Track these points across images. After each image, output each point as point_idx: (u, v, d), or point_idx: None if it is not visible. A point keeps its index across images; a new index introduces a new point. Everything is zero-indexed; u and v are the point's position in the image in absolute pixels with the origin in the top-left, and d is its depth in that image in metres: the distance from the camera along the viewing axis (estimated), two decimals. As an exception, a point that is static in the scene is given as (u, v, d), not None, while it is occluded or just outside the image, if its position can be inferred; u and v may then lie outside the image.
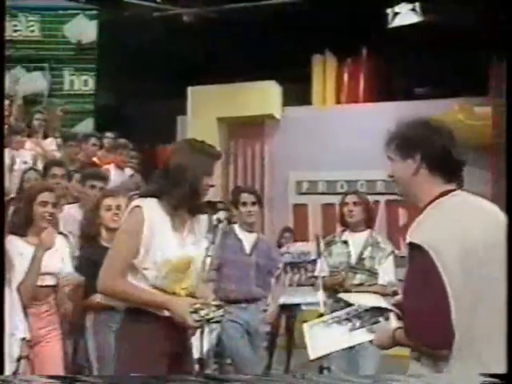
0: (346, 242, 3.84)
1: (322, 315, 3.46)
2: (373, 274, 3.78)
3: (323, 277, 3.79)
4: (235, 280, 3.84)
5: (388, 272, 3.82)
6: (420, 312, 1.76)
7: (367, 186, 7.83)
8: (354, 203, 3.86)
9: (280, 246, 6.22)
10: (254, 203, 3.97)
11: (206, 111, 8.09)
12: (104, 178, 4.20)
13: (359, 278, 3.76)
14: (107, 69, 8.06)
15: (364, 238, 3.85)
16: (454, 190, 1.88)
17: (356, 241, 3.84)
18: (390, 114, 8.36)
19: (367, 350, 3.68)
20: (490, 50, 7.09)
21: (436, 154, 1.87)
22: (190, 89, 8.24)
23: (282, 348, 6.15)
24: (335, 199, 7.34)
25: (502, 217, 1.92)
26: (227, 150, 8.44)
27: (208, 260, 3.86)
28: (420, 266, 1.78)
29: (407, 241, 1.86)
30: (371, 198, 7.70)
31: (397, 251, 7.01)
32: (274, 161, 8.23)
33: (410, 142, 1.93)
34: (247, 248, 3.93)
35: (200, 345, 3.58)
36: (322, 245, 3.93)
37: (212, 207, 5.21)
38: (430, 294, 1.75)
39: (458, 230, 1.81)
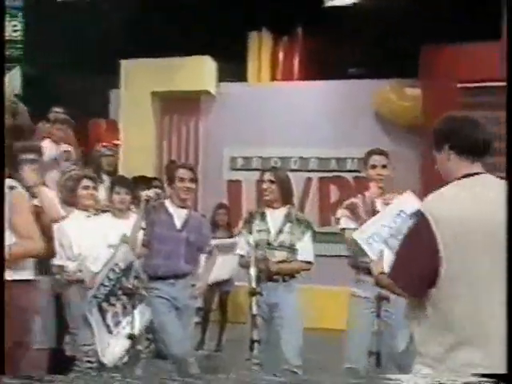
0: (264, 219, 3.86)
1: (254, 291, 3.53)
2: (293, 250, 3.83)
3: (242, 256, 3.85)
4: (164, 255, 3.83)
5: (307, 248, 3.89)
6: (403, 264, 2.15)
7: (300, 163, 7.94)
8: (271, 181, 3.90)
9: (214, 222, 6.24)
10: (191, 180, 3.95)
11: (139, 85, 7.94)
12: (37, 150, 4.06)
13: (279, 254, 3.80)
14: (36, 41, 7.75)
15: (282, 214, 3.88)
16: (479, 174, 2.16)
17: (275, 217, 3.87)
18: (324, 93, 8.56)
19: (290, 323, 3.77)
20: (422, 32, 7.28)
21: (461, 143, 2.16)
22: (123, 62, 8.05)
23: (216, 323, 6.21)
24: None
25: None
26: (161, 125, 8.33)
27: (140, 235, 3.85)
28: (420, 230, 2.10)
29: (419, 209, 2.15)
30: (304, 175, 7.95)
31: (326, 227, 7.19)
32: (209, 137, 8.20)
33: (439, 137, 2.23)
34: (178, 224, 3.91)
35: (133, 321, 3.58)
36: (241, 223, 3.99)
37: (145, 183, 5.17)
38: (423, 251, 2.08)
39: (464, 207, 2.09)
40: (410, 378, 2.20)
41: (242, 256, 3.87)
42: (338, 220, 3.76)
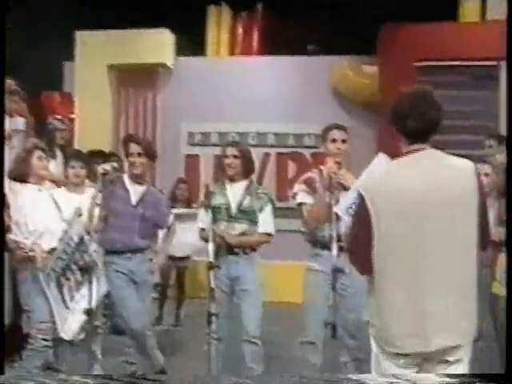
0: (224, 192, 3.87)
1: (212, 265, 3.55)
2: (253, 222, 3.86)
3: (202, 229, 3.86)
4: (120, 230, 3.81)
5: (267, 220, 3.93)
6: (351, 242, 2.34)
7: (258, 139, 7.95)
8: (234, 156, 3.91)
9: (174, 196, 6.21)
10: (139, 154, 3.91)
11: (95, 57, 7.76)
12: None
13: (240, 227, 3.83)
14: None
15: (243, 187, 3.91)
16: (423, 150, 2.24)
17: (235, 190, 3.89)
18: (282, 69, 8.55)
19: (251, 296, 3.82)
20: (381, 11, 7.34)
21: (400, 123, 2.26)
22: (78, 33, 7.84)
23: (173, 299, 6.23)
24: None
25: (466, 176, 2.19)
26: (118, 98, 8.18)
27: (96, 209, 3.81)
28: (358, 207, 2.26)
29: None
30: (262, 151, 7.97)
31: (284, 203, 7.25)
32: (167, 111, 8.11)
33: (390, 115, 2.34)
34: (133, 199, 3.89)
35: (89, 295, 3.55)
36: (201, 196, 3.98)
37: (101, 157, 5.10)
38: (359, 229, 2.23)
39: (401, 183, 2.19)
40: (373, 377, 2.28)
41: (202, 229, 3.88)
42: (294, 195, 3.79)
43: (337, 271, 3.36)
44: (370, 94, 7.65)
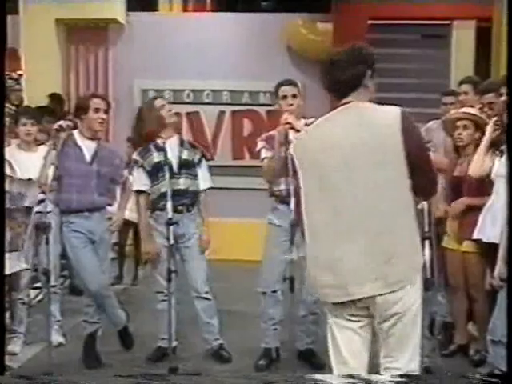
0: (162, 149, 3.82)
1: (170, 221, 3.56)
2: (194, 177, 3.89)
3: (138, 190, 3.85)
4: (76, 189, 3.75)
5: (206, 175, 3.96)
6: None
7: (213, 96, 7.87)
8: (169, 110, 3.93)
9: (126, 154, 6.12)
10: (106, 110, 3.83)
11: (41, 11, 7.45)
12: None
13: (184, 182, 3.84)
14: None
15: (176, 142, 3.91)
16: (348, 103, 2.34)
17: (171, 146, 3.86)
18: (236, 25, 8.43)
19: (196, 252, 3.86)
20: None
21: (327, 81, 2.41)
22: (22, -15, 7.50)
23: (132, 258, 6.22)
24: (183, 109, 7.36)
25: (389, 122, 2.21)
26: (67, 55, 7.93)
27: (50, 169, 3.73)
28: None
29: None
30: (217, 109, 7.92)
31: (239, 161, 7.25)
32: (119, 68, 7.91)
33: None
34: (88, 156, 3.81)
35: (46, 256, 3.51)
36: (135, 155, 3.95)
37: (51, 114, 4.97)
38: (294, 180, 2.40)
39: (317, 134, 2.35)
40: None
41: (142, 192, 3.87)
42: (259, 151, 3.83)
43: (295, 226, 3.43)
44: (324, 51, 7.65)
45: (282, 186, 3.66)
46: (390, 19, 7.60)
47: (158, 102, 3.96)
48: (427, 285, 3.23)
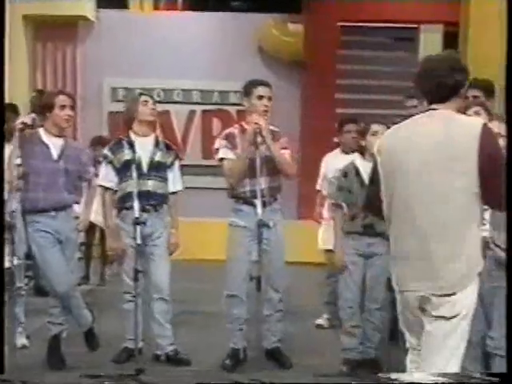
0: (133, 147, 3.77)
1: (138, 221, 3.53)
2: (163, 179, 3.82)
3: (104, 186, 3.80)
4: (43, 188, 3.68)
5: (177, 178, 3.92)
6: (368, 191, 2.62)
7: (183, 96, 7.86)
8: (152, 109, 3.86)
9: (95, 155, 6.05)
10: (72, 107, 3.78)
11: (8, 7, 7.31)
12: None
13: (152, 184, 3.77)
14: None
15: (151, 142, 3.83)
16: (435, 109, 2.36)
17: (144, 146, 3.80)
18: (207, 25, 8.41)
19: (162, 252, 3.81)
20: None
21: (427, 83, 2.38)
22: (-12, -21, 7.36)
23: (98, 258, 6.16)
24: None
25: (470, 133, 2.27)
26: (34, 52, 7.81)
27: (16, 167, 3.66)
28: (373, 164, 2.48)
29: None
30: (187, 108, 7.89)
31: (208, 160, 7.23)
32: (88, 66, 7.83)
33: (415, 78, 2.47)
34: (54, 154, 3.74)
35: (11, 255, 3.44)
36: (106, 149, 3.89)
37: (14, 111, 4.87)
38: (371, 180, 2.50)
39: (401, 139, 2.39)
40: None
41: (107, 188, 3.82)
42: (216, 150, 3.79)
43: (261, 226, 3.44)
44: (295, 52, 7.70)
45: (248, 188, 3.66)
46: (359, 22, 7.68)
47: (142, 98, 3.89)
48: (390, 284, 3.30)
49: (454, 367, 2.27)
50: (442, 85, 2.34)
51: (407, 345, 2.48)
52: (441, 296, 2.26)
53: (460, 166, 2.25)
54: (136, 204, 3.54)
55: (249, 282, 3.62)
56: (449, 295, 2.26)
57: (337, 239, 3.68)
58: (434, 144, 2.29)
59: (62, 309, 3.77)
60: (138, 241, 3.52)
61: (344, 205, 3.64)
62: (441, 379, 2.07)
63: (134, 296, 3.59)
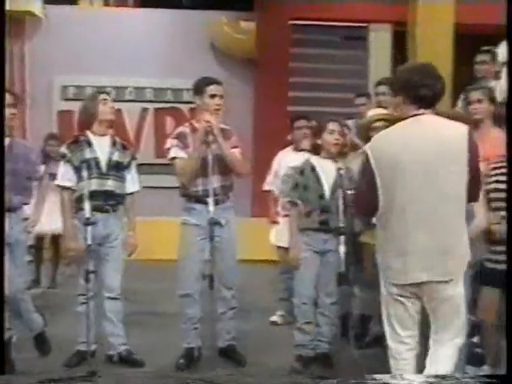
0: (92, 147, 3.71)
1: (88, 221, 3.47)
2: (121, 179, 3.77)
3: (63, 186, 3.72)
4: None
5: (135, 178, 3.87)
6: (360, 192, 2.73)
7: (136, 94, 7.77)
8: (111, 108, 3.79)
9: (46, 153, 5.91)
10: (14, 105, 3.67)
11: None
12: None
13: (112, 184, 3.72)
14: None
15: (108, 142, 3.77)
16: (421, 115, 2.59)
17: (102, 145, 3.74)
18: (159, 22, 8.34)
19: (118, 253, 3.76)
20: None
21: (411, 92, 2.60)
22: None
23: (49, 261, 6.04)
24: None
25: (460, 137, 2.53)
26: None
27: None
28: (363, 164, 2.64)
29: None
30: (140, 106, 7.80)
31: (162, 159, 7.17)
32: (36, 63, 7.65)
33: (396, 83, 2.74)
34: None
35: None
36: (63, 148, 3.81)
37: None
38: (366, 182, 2.61)
39: (397, 142, 2.56)
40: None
41: (66, 188, 3.73)
42: (168, 150, 3.76)
43: (213, 224, 3.44)
44: (248, 50, 7.72)
45: (200, 187, 3.65)
46: (311, 20, 7.75)
47: (102, 96, 3.81)
48: (341, 279, 3.36)
49: (461, 337, 2.65)
50: (432, 92, 2.59)
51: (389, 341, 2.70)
52: (445, 282, 2.55)
53: (454, 166, 2.51)
54: (87, 204, 3.48)
55: (202, 280, 3.61)
56: (450, 280, 2.56)
57: (292, 236, 3.71)
58: (429, 146, 2.51)
59: (11, 313, 3.68)
60: (89, 241, 3.47)
61: (299, 202, 3.67)
62: (440, 381, 2.21)
63: (88, 298, 3.54)
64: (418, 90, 2.58)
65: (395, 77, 2.76)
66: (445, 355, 2.60)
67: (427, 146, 2.52)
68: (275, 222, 4.64)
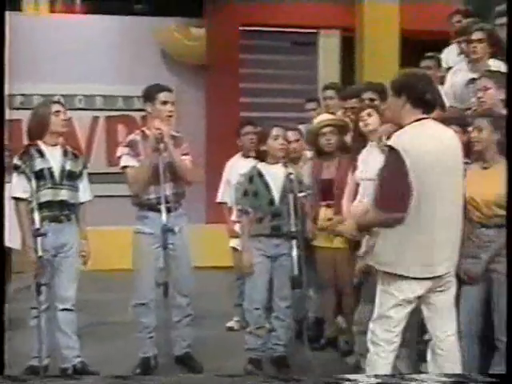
0: (44, 156, 3.64)
1: (38, 233, 3.39)
2: (75, 188, 3.71)
3: (23, 199, 3.63)
4: None
5: (87, 187, 3.81)
6: (390, 190, 2.73)
7: (85, 102, 7.67)
8: (64, 120, 3.73)
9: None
10: None
11: None
12: None
13: (65, 194, 3.65)
14: None
15: (59, 151, 3.69)
16: (426, 119, 2.78)
17: (54, 155, 3.67)
18: (108, 28, 8.25)
19: (72, 263, 3.69)
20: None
21: (416, 96, 2.76)
22: None
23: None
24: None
25: (448, 142, 2.78)
26: None
27: None
28: (393, 162, 2.69)
29: (388, 143, 2.77)
30: (90, 114, 7.70)
31: (113, 168, 7.08)
32: (-20, 72, 7.45)
33: (399, 86, 2.83)
34: None
35: None
36: (15, 159, 3.71)
37: None
38: (398, 180, 2.67)
39: (422, 142, 2.72)
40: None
41: (22, 199, 3.64)
42: (118, 158, 3.72)
43: (167, 231, 3.43)
44: (198, 56, 7.73)
45: (152, 195, 3.63)
46: (260, 26, 7.82)
47: (55, 108, 3.72)
48: (294, 282, 3.40)
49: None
50: (435, 99, 2.81)
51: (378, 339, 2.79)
52: (450, 274, 2.81)
53: (458, 168, 2.80)
54: (36, 214, 3.42)
55: (156, 288, 3.60)
56: (451, 273, 2.83)
57: (244, 242, 3.74)
58: (443, 148, 2.74)
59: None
60: (40, 253, 3.41)
61: (250, 210, 3.69)
62: (442, 379, 2.34)
63: (40, 311, 3.47)
64: (424, 95, 2.76)
65: (398, 79, 2.89)
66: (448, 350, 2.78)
67: (443, 148, 2.74)
68: (234, 236, 4.51)
